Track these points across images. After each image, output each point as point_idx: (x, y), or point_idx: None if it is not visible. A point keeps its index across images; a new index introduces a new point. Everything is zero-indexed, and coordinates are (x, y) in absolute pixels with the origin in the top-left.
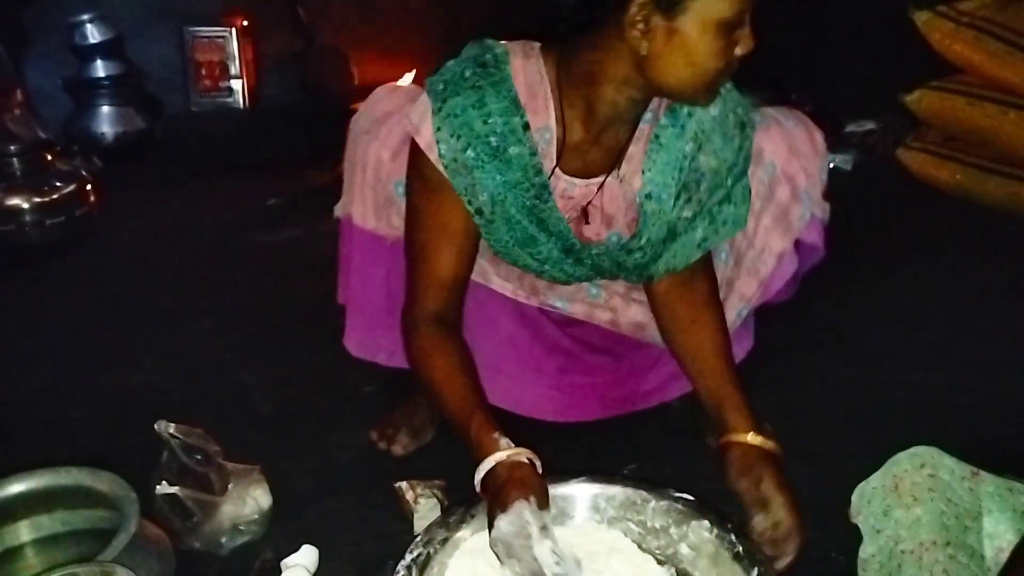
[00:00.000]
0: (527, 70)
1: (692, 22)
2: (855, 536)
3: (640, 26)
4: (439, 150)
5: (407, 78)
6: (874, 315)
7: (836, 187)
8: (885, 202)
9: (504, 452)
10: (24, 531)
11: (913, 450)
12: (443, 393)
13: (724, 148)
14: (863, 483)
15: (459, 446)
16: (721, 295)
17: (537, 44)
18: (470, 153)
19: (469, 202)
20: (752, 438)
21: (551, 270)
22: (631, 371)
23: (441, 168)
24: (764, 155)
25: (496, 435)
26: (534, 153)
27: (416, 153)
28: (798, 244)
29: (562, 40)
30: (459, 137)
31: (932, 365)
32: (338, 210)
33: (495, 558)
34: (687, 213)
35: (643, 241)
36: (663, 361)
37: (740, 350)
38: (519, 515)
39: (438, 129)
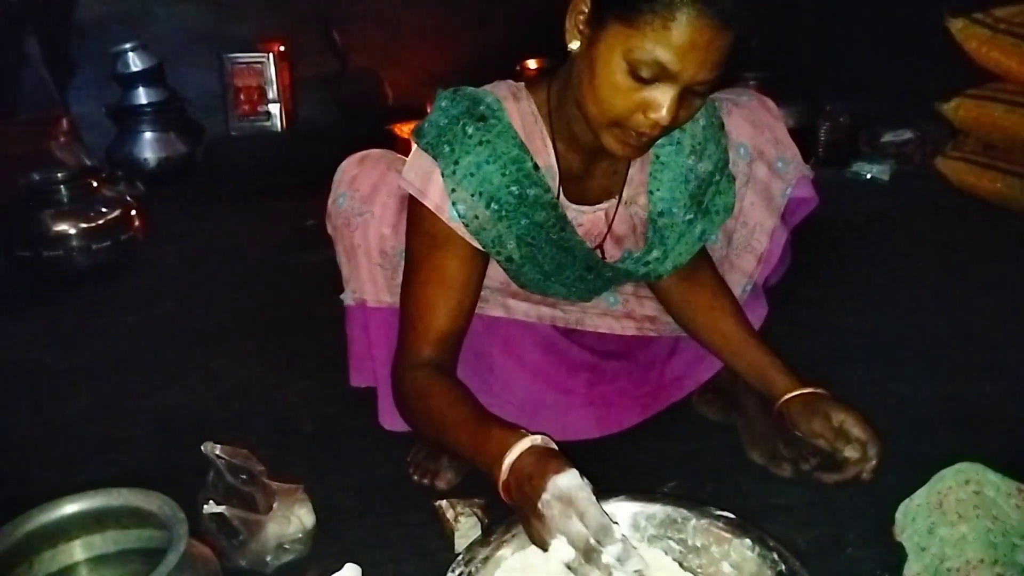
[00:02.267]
0: (521, 113)
1: (606, 42)
2: (900, 554)
3: (580, 19)
4: (457, 210)
5: None
6: (915, 326)
7: (875, 197)
8: (924, 211)
9: (538, 437)
10: (78, 550)
11: (957, 466)
12: (449, 417)
13: (715, 151)
14: (907, 500)
15: None
16: (721, 273)
17: (521, 84)
18: (493, 206)
19: (498, 252)
20: (804, 389)
21: (576, 290)
22: (649, 365)
23: (457, 227)
24: (733, 138)
25: (523, 431)
26: (548, 190)
27: (419, 211)
28: (788, 205)
29: (552, 72)
30: (480, 194)
31: (975, 377)
32: (347, 299)
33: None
34: (689, 216)
35: (657, 254)
36: (679, 348)
37: (756, 318)
38: (576, 476)
39: (453, 190)
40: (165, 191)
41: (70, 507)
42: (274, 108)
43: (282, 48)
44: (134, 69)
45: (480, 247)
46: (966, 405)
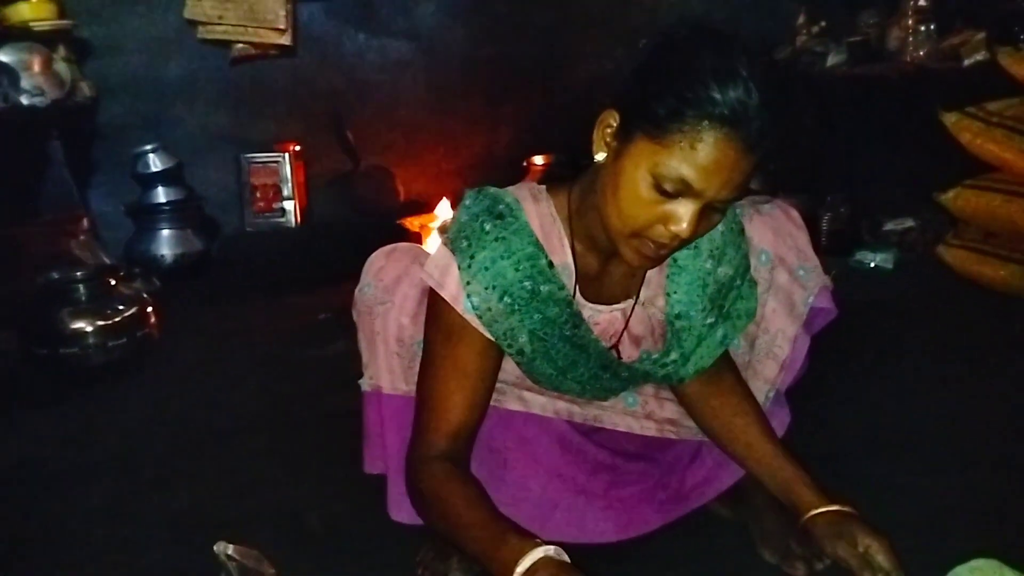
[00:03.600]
0: (540, 213)
1: (632, 156)
2: None
3: (608, 132)
4: (471, 302)
5: (443, 205)
6: (928, 417)
7: (878, 285)
8: (930, 299)
9: (551, 548)
10: None
11: (972, 563)
12: (463, 517)
13: (735, 256)
14: None
15: None
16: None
17: (543, 186)
18: (507, 300)
19: (509, 345)
20: (830, 507)
21: (591, 388)
22: (671, 469)
23: (472, 319)
24: (755, 244)
25: (537, 540)
26: (562, 287)
27: (437, 302)
28: (808, 314)
29: (575, 175)
30: (493, 288)
31: (989, 469)
32: (365, 384)
33: None
34: (710, 320)
35: (675, 356)
36: (702, 454)
37: (780, 426)
38: None
39: (468, 283)
40: (181, 286)
41: None
42: (289, 205)
43: (297, 148)
44: (154, 169)
45: (493, 339)
46: (981, 497)
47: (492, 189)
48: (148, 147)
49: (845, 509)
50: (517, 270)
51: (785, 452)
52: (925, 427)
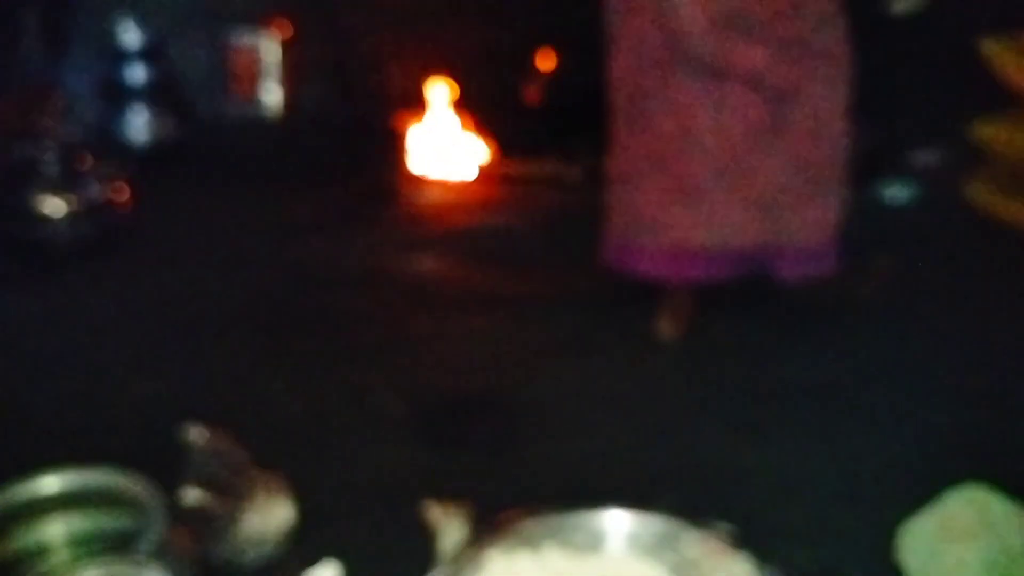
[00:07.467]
0: None
1: None
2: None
3: None
4: None
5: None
6: (934, 352)
7: (898, 220)
8: (948, 236)
9: None
10: (57, 528)
11: (962, 488)
12: None
13: None
14: (911, 521)
15: (485, 473)
16: None
17: None
18: None
19: None
20: None
21: None
22: None
23: None
24: None
25: None
26: None
27: None
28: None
29: None
30: None
31: (988, 406)
32: None
33: None
34: None
35: None
36: None
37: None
38: None
39: None
40: (156, 170)
41: (50, 484)
42: (272, 91)
43: (283, 31)
44: (130, 46)
45: None
46: (977, 432)
47: None
48: (124, 22)
49: None
50: None
51: None
52: (931, 360)
